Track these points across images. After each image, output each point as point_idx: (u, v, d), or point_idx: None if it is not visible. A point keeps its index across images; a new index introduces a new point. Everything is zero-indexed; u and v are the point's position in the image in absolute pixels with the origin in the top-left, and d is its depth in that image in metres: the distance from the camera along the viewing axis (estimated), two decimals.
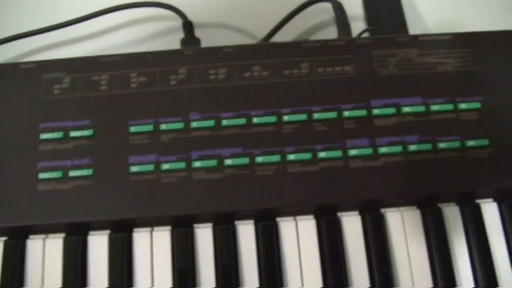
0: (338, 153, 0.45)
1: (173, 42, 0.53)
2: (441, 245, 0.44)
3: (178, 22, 0.55)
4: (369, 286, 0.43)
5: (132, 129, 0.45)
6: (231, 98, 0.46)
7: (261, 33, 0.56)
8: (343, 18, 0.52)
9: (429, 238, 0.45)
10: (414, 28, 0.57)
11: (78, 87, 0.46)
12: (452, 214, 0.45)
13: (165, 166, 0.44)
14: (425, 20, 0.59)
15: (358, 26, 0.57)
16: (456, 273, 0.44)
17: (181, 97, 0.46)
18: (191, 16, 0.56)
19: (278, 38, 0.55)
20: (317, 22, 0.59)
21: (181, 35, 0.54)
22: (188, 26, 0.51)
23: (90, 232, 0.45)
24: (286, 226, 0.45)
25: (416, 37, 0.48)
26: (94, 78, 0.47)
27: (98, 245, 0.44)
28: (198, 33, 0.54)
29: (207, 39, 0.53)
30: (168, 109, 0.46)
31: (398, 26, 0.56)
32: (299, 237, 0.44)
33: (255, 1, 0.59)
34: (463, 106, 0.46)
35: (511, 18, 0.59)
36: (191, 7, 0.57)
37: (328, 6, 0.56)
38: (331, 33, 0.57)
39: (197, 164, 0.44)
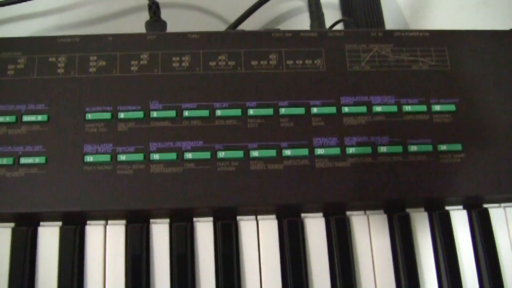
0: (304, 152, 0.43)
1: (139, 22, 0.50)
2: (406, 251, 0.43)
3: (145, 0, 0.52)
4: None
5: (89, 116, 0.43)
6: (195, 88, 0.44)
7: (232, 17, 0.53)
8: (316, 8, 0.49)
9: (395, 244, 0.43)
10: (391, 21, 0.54)
11: (33, 69, 0.44)
12: (420, 220, 0.44)
13: (122, 157, 0.42)
14: (404, 13, 0.56)
15: (334, 14, 0.54)
16: (420, 281, 0.42)
17: (142, 84, 0.44)
18: None
19: (248, 24, 0.52)
20: (290, 9, 0.56)
21: (147, 15, 0.51)
22: (154, 7, 0.48)
23: (41, 223, 0.43)
24: (246, 226, 0.43)
25: (391, 32, 0.46)
26: (50, 59, 0.44)
27: (49, 237, 0.42)
28: (165, 13, 0.50)
29: (174, 21, 0.50)
30: (127, 97, 0.43)
31: (374, 18, 0.53)
32: (259, 237, 0.43)
33: None
34: (437, 108, 0.44)
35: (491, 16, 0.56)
36: None
37: None
38: (304, 22, 0.54)
39: (155, 156, 0.42)
